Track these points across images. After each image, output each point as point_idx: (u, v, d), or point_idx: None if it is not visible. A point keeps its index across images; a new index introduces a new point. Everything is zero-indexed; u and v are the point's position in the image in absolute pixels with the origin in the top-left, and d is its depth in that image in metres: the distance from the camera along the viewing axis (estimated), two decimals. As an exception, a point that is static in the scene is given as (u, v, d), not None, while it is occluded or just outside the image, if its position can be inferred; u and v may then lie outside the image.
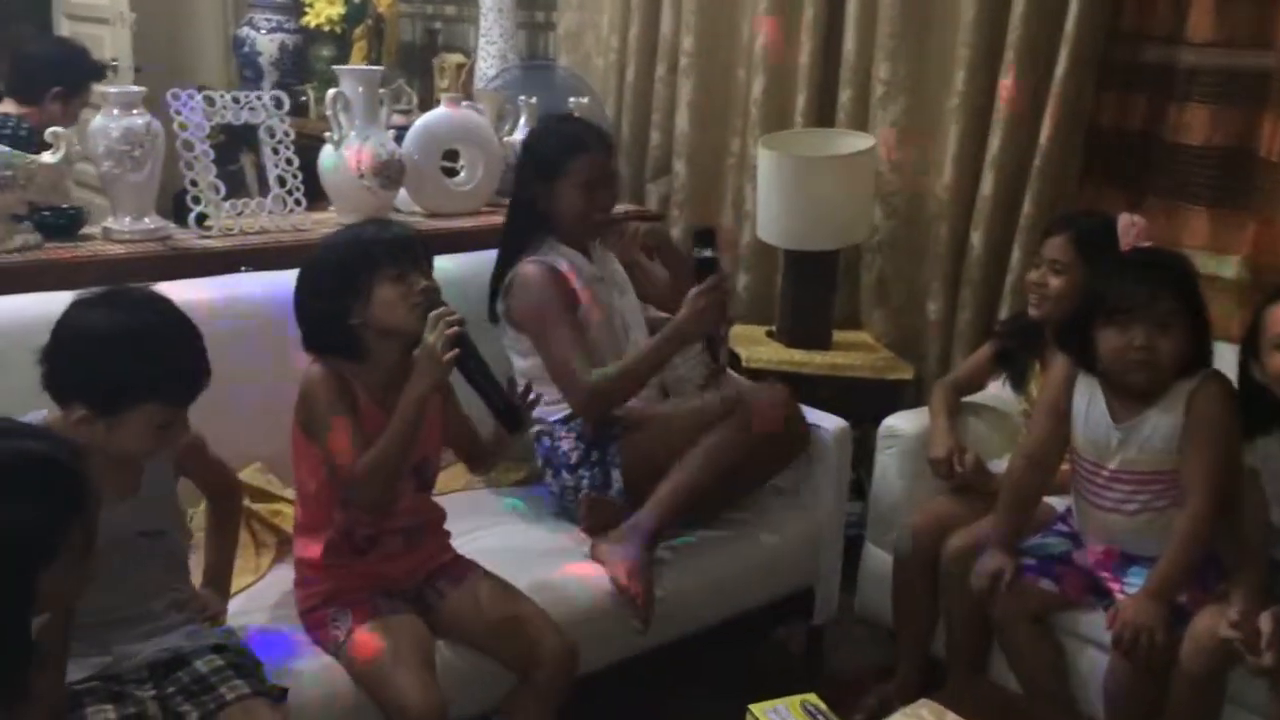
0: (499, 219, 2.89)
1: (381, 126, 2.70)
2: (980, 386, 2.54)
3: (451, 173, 2.95)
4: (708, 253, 2.23)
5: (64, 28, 4.88)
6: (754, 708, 1.60)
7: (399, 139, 2.78)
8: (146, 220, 2.38)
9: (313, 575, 1.89)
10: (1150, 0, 2.65)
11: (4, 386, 1.70)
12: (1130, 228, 2.12)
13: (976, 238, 2.84)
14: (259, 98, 2.59)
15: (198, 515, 2.09)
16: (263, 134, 2.60)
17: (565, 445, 2.30)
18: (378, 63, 4.31)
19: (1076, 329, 2.03)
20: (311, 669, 1.79)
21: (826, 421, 2.45)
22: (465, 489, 2.41)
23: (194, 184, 2.45)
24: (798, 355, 2.95)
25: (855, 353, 3.00)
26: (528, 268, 2.32)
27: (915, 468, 2.44)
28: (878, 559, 2.50)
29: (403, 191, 2.81)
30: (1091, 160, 2.74)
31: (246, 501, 2.11)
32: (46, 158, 2.22)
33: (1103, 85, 2.71)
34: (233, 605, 1.88)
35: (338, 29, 4.47)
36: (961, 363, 2.73)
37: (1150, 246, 2.11)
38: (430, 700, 1.73)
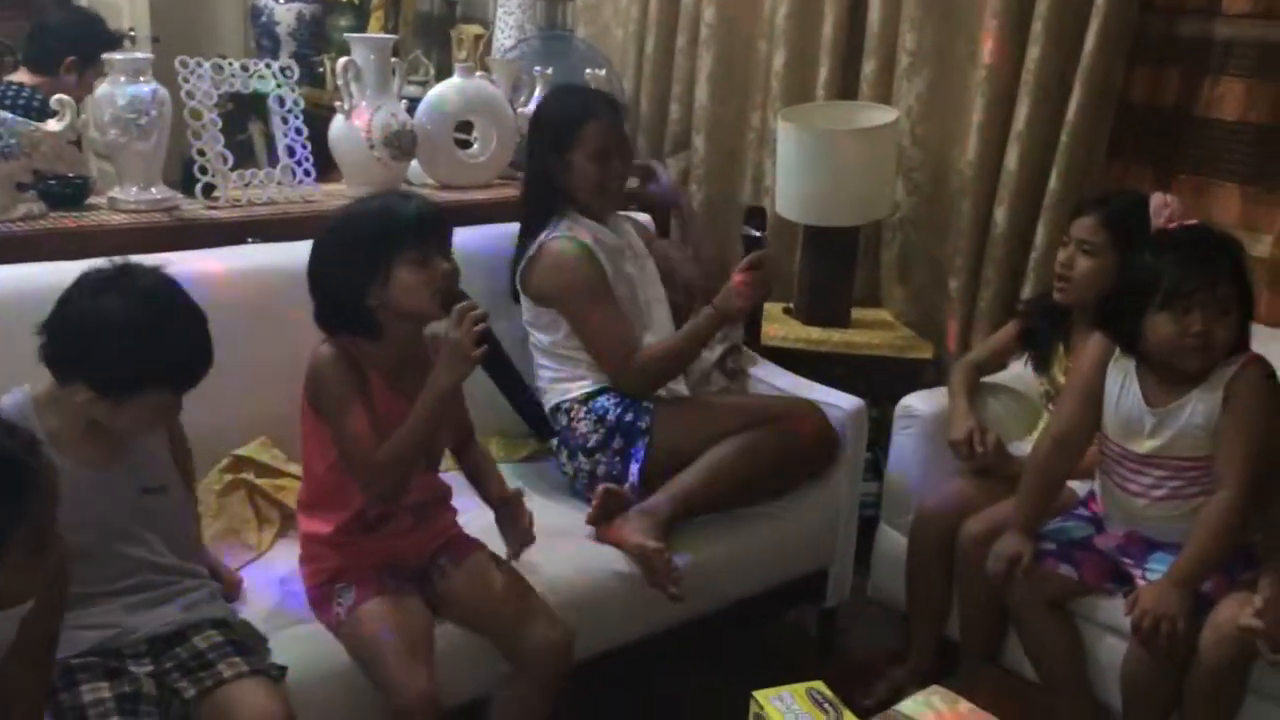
0: (512, 191, 2.87)
1: (394, 96, 2.66)
2: (1002, 366, 2.50)
3: (465, 144, 2.91)
4: (755, 232, 2.29)
5: (84, -2, 4.86)
6: (758, 694, 1.57)
7: (412, 110, 2.74)
8: (153, 190, 2.35)
9: (321, 551, 1.86)
10: (1185, -30, 2.59)
11: (4, 354, 1.67)
12: (1163, 208, 2.06)
13: (1000, 214, 2.79)
14: (268, 66, 2.55)
15: (201, 489, 2.07)
16: (272, 103, 2.56)
17: (583, 428, 2.27)
18: (395, 33, 4.26)
19: (1124, 311, 1.97)
20: (314, 647, 1.78)
21: (843, 401, 2.41)
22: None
23: (201, 153, 2.42)
24: (815, 333, 2.92)
25: (874, 331, 2.96)
26: (557, 242, 2.29)
27: (932, 449, 2.40)
28: (892, 541, 2.46)
29: (415, 163, 2.77)
30: (1121, 136, 2.68)
31: (250, 476, 2.09)
32: (52, 125, 2.19)
33: (1135, 59, 2.65)
34: (235, 581, 1.88)
35: (355, -1, 4.43)
36: (982, 342, 2.68)
37: (1198, 225, 2.06)
38: (421, 687, 1.70)
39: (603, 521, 2.14)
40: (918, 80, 2.94)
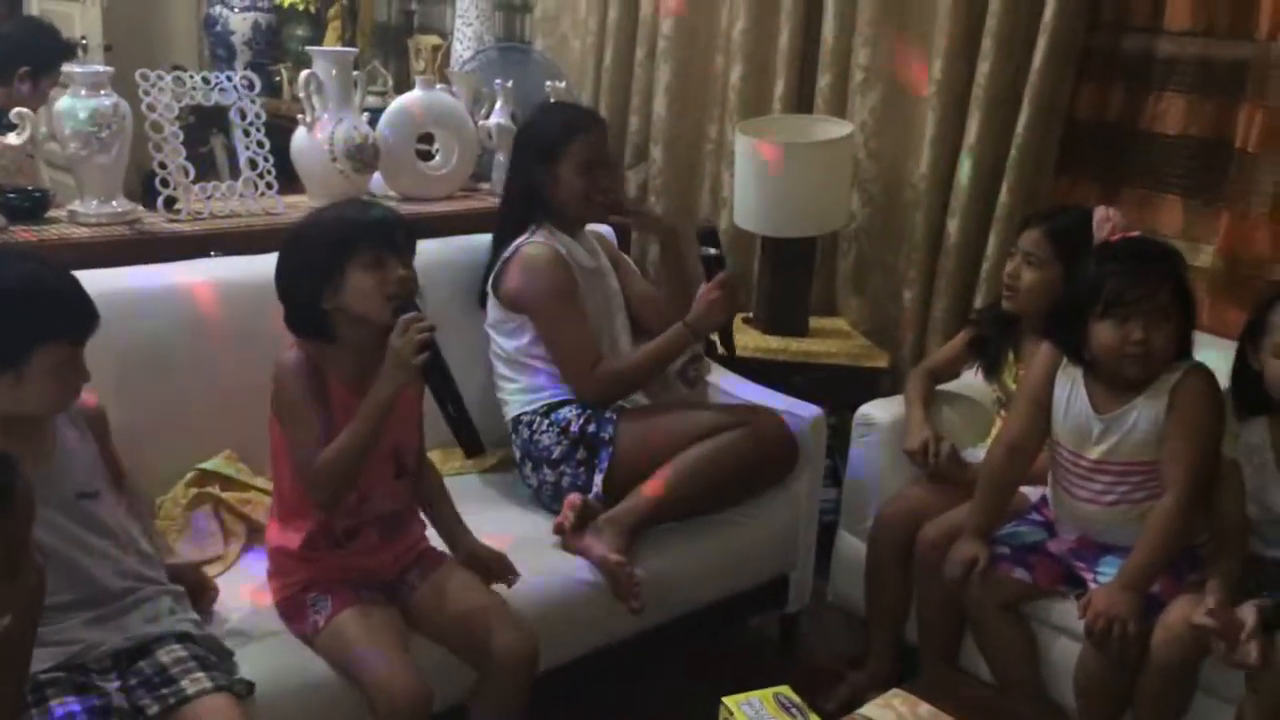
0: (474, 204, 2.88)
1: (355, 109, 2.67)
2: (955, 374, 2.55)
3: (426, 156, 2.92)
4: (713, 250, 2.34)
5: (34, 6, 4.80)
6: (727, 700, 1.59)
7: (373, 122, 2.74)
8: (114, 203, 2.34)
9: (289, 565, 1.86)
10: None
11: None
12: (1105, 221, 2.12)
13: (953, 226, 2.84)
14: (229, 78, 2.54)
15: (166, 503, 2.07)
16: (234, 116, 2.56)
17: (546, 440, 2.29)
18: (352, 43, 4.26)
19: (1068, 321, 2.03)
20: (285, 659, 1.77)
21: (802, 409, 2.45)
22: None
23: (163, 166, 2.41)
24: (774, 342, 2.95)
25: (832, 340, 3.00)
26: (533, 247, 2.31)
27: (890, 456, 2.44)
28: (852, 546, 2.50)
29: (377, 175, 2.78)
30: (1068, 151, 2.74)
31: (215, 490, 2.09)
32: (11, 139, 2.18)
33: (1083, 75, 2.71)
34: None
35: (312, 8, 4.42)
36: (936, 350, 2.73)
37: (1139, 236, 2.12)
38: (412, 685, 1.71)
39: (572, 532, 2.15)
40: (871, 94, 2.98)
